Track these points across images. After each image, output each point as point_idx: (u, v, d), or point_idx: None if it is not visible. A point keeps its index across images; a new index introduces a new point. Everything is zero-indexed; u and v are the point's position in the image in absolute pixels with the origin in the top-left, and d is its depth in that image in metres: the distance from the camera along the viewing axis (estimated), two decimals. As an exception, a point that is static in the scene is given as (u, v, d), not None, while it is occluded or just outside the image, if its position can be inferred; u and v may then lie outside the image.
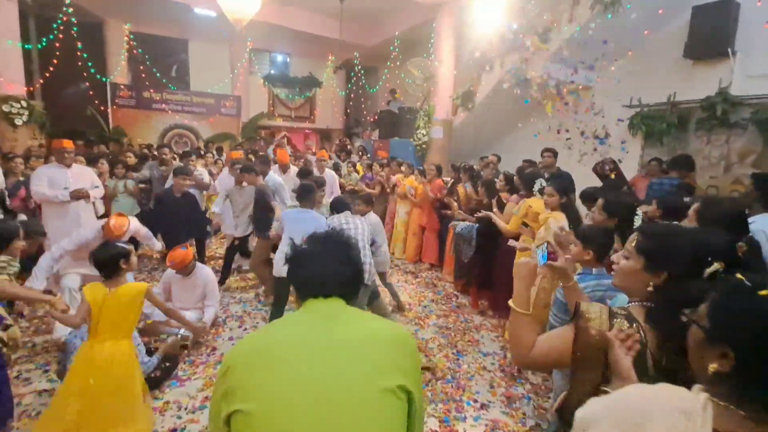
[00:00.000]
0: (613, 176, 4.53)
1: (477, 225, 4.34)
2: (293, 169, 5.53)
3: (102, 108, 9.35)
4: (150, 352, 2.91)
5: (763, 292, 0.72)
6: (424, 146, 8.61)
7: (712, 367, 0.74)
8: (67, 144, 4.05)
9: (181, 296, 3.58)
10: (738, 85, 5.34)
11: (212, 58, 10.95)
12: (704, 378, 0.77)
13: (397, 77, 9.62)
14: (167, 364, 2.93)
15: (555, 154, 5.03)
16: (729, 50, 5.32)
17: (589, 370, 1.08)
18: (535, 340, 1.19)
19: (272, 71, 12.27)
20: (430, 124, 8.55)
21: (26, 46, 6.91)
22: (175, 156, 6.57)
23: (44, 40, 7.59)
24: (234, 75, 11.07)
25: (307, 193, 3.38)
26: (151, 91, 9.89)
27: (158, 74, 9.89)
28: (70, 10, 7.48)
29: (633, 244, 1.22)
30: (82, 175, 4.20)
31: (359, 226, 3.21)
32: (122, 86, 9.66)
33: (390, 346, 0.96)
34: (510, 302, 1.29)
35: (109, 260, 2.26)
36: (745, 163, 5.35)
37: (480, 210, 4.15)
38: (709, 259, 1.10)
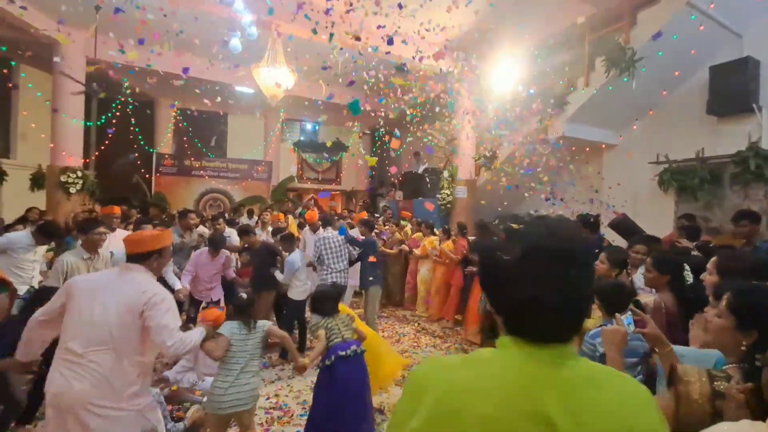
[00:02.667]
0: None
1: None
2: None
3: (147, 176, 10.11)
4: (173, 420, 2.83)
5: None
6: (448, 206, 8.69)
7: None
8: (116, 210, 4.36)
9: (207, 360, 3.53)
10: (768, 139, 5.26)
11: (248, 129, 11.85)
12: None
13: (420, 140, 10.03)
14: (191, 434, 2.83)
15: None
16: (754, 106, 5.31)
17: None
18: None
19: (302, 138, 13.09)
20: (453, 185, 8.70)
21: (87, 123, 7.74)
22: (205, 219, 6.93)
23: (103, 117, 8.50)
24: (267, 142, 11.87)
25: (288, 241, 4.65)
26: (192, 159, 10.69)
27: (199, 144, 10.75)
28: (128, 91, 8.44)
29: (725, 303, 1.27)
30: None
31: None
32: (167, 156, 10.51)
33: None
34: None
35: None
36: (791, 217, 5.07)
37: None
38: None
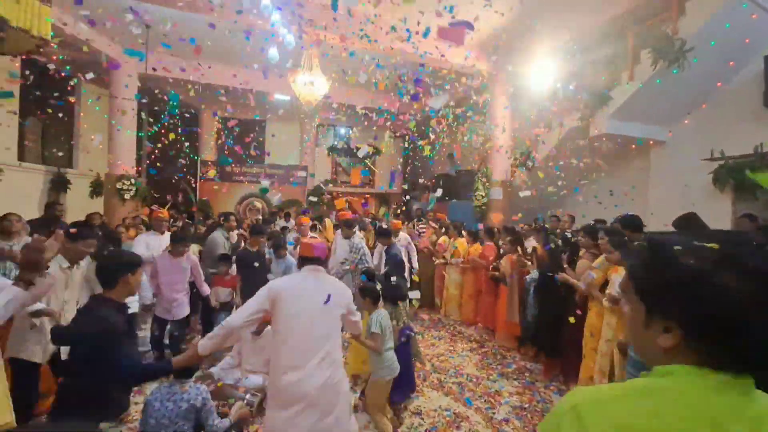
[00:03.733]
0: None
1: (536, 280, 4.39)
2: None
3: (192, 182, 10.69)
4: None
5: None
6: (483, 207, 8.55)
7: None
8: (165, 214, 4.66)
9: (251, 358, 3.68)
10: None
11: (285, 134, 12.24)
12: None
13: (454, 141, 9.94)
14: (234, 431, 2.94)
15: None
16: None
17: None
18: None
19: (335, 143, 13.35)
20: (488, 186, 8.55)
21: (140, 134, 8.30)
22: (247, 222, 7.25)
23: (153, 129, 9.08)
24: (302, 148, 12.20)
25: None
26: (233, 165, 11.19)
27: (238, 151, 11.24)
28: (175, 103, 8.97)
29: None
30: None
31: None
32: (209, 162, 11.05)
33: None
34: None
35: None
36: None
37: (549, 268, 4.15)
38: None
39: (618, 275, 3.10)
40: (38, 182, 7.74)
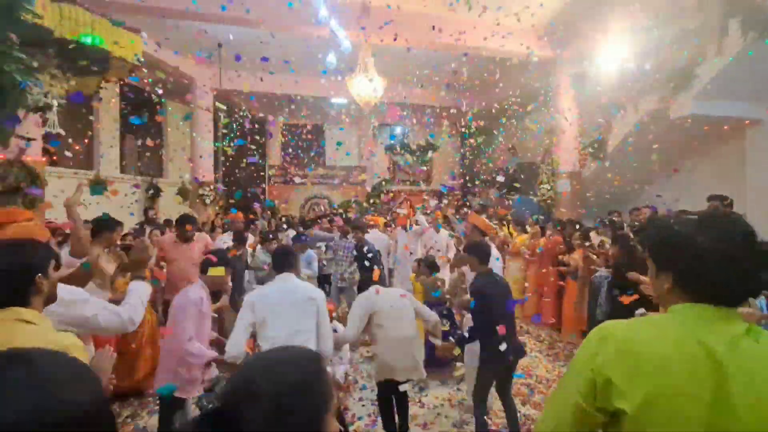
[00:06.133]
0: None
1: (609, 278, 4.11)
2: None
3: (261, 186, 11.49)
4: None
5: None
6: (549, 201, 8.15)
7: None
8: (240, 216, 5.15)
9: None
10: None
11: (343, 136, 12.63)
12: None
13: (514, 134, 9.58)
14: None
15: None
16: None
17: None
18: None
19: (393, 141, 13.48)
20: (554, 178, 8.13)
21: (216, 144, 9.11)
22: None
23: (227, 138, 9.92)
24: (360, 148, 12.52)
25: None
26: (296, 168, 11.84)
27: (302, 154, 11.87)
28: (245, 113, 9.71)
29: None
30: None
31: None
32: (275, 167, 11.80)
33: None
34: None
35: None
36: None
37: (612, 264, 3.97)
38: None
39: None
40: (136, 191, 8.82)
